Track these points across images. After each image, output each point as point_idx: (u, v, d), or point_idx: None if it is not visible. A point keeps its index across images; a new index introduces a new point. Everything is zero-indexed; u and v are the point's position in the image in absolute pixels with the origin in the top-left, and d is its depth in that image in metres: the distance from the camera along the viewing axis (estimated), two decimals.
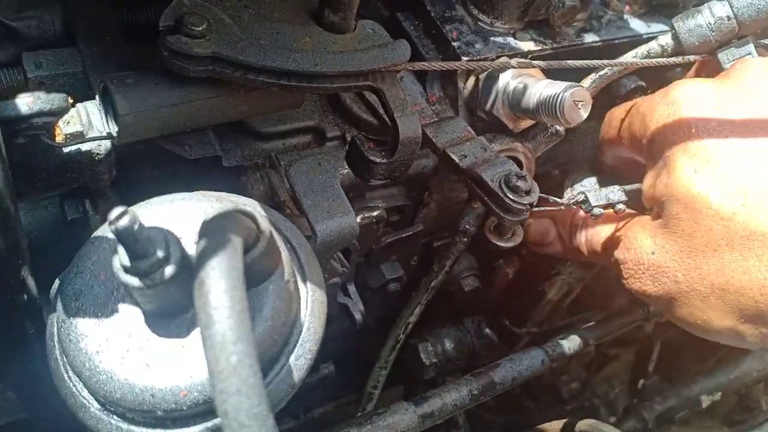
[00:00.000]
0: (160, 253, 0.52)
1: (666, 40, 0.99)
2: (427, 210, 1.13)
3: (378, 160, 0.76)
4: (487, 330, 1.30)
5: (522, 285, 1.24)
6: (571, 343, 1.03)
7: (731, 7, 0.91)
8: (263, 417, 0.45)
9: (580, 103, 0.87)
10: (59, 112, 0.59)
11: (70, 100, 0.62)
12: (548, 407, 1.65)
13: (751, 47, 0.94)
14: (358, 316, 0.91)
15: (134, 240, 0.50)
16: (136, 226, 0.49)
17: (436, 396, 0.90)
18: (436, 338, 1.29)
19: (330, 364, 1.30)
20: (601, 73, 0.98)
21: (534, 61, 0.87)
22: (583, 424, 1.14)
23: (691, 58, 0.97)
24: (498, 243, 0.87)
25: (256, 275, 0.57)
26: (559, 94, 0.87)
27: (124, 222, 0.48)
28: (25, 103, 0.56)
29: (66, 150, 0.73)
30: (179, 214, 0.61)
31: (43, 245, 0.92)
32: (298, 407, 1.44)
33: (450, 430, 1.40)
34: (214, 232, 0.50)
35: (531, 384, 1.62)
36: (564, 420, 1.20)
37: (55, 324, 0.61)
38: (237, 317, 0.46)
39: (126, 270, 0.52)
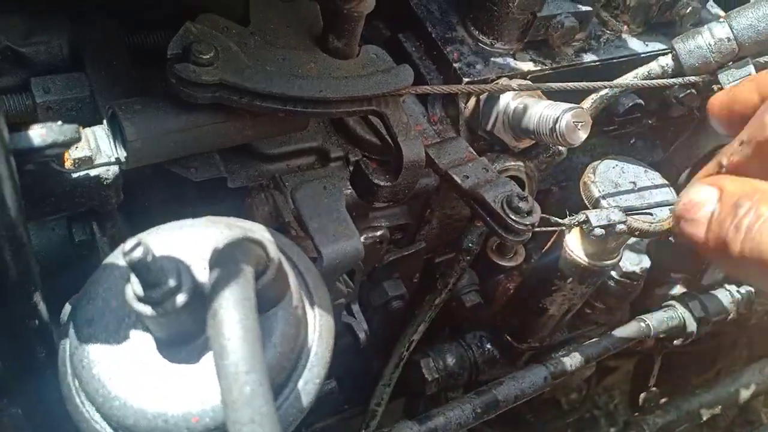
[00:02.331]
0: (172, 282, 0.53)
1: (666, 60, 1.00)
2: (429, 227, 1.14)
3: (382, 183, 0.78)
4: (489, 345, 1.31)
5: (523, 301, 1.25)
6: (572, 360, 1.04)
7: (731, 28, 0.93)
8: None
9: (580, 124, 0.88)
10: (71, 144, 0.60)
11: (81, 131, 0.63)
12: (549, 420, 1.66)
13: (750, 68, 0.96)
14: (362, 336, 0.91)
15: (147, 270, 0.51)
16: (149, 258, 0.50)
17: (439, 414, 0.91)
18: (437, 353, 1.29)
19: (332, 380, 1.31)
20: (602, 93, 1.00)
21: (535, 84, 0.89)
22: None
23: (691, 78, 0.98)
24: (500, 262, 0.88)
25: (265, 302, 0.58)
26: (559, 116, 0.88)
27: (138, 253, 0.49)
28: (38, 135, 0.57)
29: (75, 175, 0.74)
30: (189, 241, 0.62)
31: (50, 267, 0.92)
32: (300, 422, 1.44)
33: None
34: (226, 261, 0.51)
35: (532, 399, 1.63)
36: None
37: (68, 350, 0.61)
38: (250, 348, 0.47)
39: (139, 299, 0.53)
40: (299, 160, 0.94)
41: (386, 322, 1.25)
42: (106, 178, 0.76)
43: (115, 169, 0.76)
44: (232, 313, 0.48)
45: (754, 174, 0.65)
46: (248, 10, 0.78)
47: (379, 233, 0.94)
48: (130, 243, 0.49)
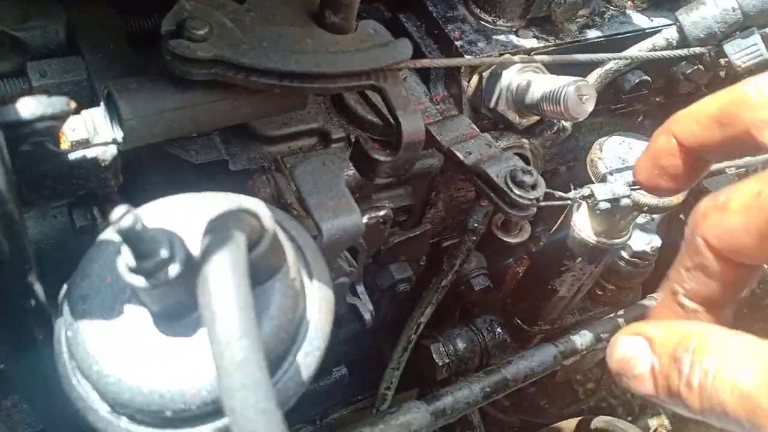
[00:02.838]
0: (164, 253, 0.52)
1: (670, 33, 0.98)
2: (435, 210, 1.13)
3: (382, 158, 0.76)
4: (499, 329, 1.29)
5: (532, 283, 1.24)
6: (582, 339, 1.02)
7: None
8: (270, 412, 0.45)
9: (585, 97, 0.87)
10: (61, 116, 0.59)
11: (72, 104, 0.63)
12: (564, 407, 1.64)
13: (757, 37, 0.94)
14: (367, 317, 0.90)
15: (138, 239, 0.50)
16: (139, 226, 0.49)
17: (447, 394, 0.89)
18: (447, 339, 1.28)
19: (342, 367, 1.30)
20: (606, 67, 0.98)
21: (537, 56, 0.87)
22: (599, 420, 1.13)
23: (697, 50, 0.96)
24: (505, 239, 0.87)
25: (261, 273, 0.57)
26: (562, 88, 0.86)
27: (127, 221, 0.48)
28: (27, 107, 0.57)
29: (72, 157, 0.73)
30: (183, 214, 0.61)
31: (53, 254, 0.92)
32: (313, 413, 1.44)
33: (464, 431, 1.40)
34: (218, 229, 0.50)
35: (546, 384, 1.61)
36: (579, 417, 1.19)
37: (63, 328, 0.61)
38: (242, 313, 0.46)
39: (131, 270, 0.52)
40: (300, 142, 0.93)
41: (395, 307, 1.24)
42: (103, 160, 0.75)
43: (112, 150, 0.75)
44: (222, 279, 0.47)
45: (719, 295, 0.63)
46: None
47: (382, 213, 0.92)
48: (118, 211, 0.48)
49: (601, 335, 1.06)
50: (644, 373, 0.61)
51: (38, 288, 0.67)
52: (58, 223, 0.93)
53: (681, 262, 0.64)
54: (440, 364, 1.26)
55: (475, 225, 0.99)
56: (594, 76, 0.98)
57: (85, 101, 0.82)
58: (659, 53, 0.94)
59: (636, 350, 0.62)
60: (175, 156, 0.85)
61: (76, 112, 0.76)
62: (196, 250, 0.55)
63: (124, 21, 0.88)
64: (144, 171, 0.86)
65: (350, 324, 1.23)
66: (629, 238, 1.09)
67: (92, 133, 0.74)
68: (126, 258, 0.52)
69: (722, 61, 1.06)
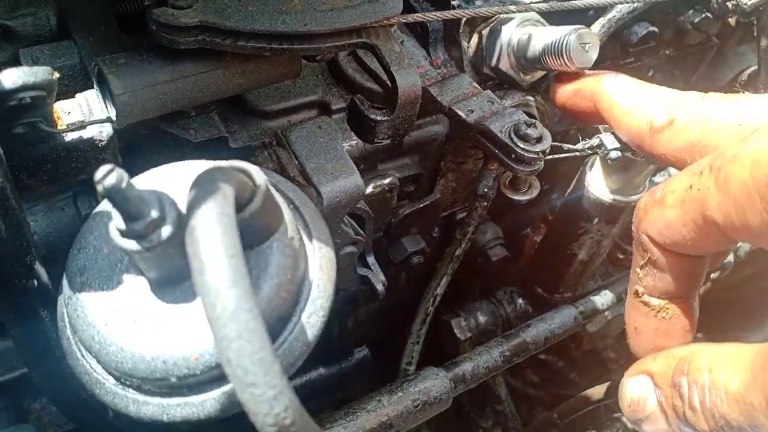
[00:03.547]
0: (154, 213, 0.51)
1: None
2: (445, 180, 1.10)
3: (379, 117, 0.75)
4: (520, 300, 1.27)
5: (550, 250, 1.21)
6: (603, 299, 1.00)
7: None
8: (268, 361, 0.44)
9: (588, 45, 0.84)
10: (45, 86, 0.58)
11: (56, 74, 0.62)
12: (594, 378, 1.61)
13: None
14: (379, 287, 0.89)
15: (125, 199, 0.48)
16: (124, 184, 0.47)
17: (467, 360, 0.87)
18: (468, 313, 1.27)
19: (364, 348, 1.29)
20: (610, 16, 0.95)
21: (534, 4, 0.85)
22: None
23: None
24: (514, 197, 0.84)
25: (257, 233, 0.56)
26: (564, 38, 0.84)
27: (111, 179, 0.47)
28: (8, 77, 0.56)
29: (68, 138, 0.72)
30: (175, 178, 0.60)
31: (63, 246, 0.91)
32: (339, 397, 1.43)
33: (493, 405, 1.37)
34: (204, 183, 0.49)
35: (574, 356, 1.58)
36: (608, 383, 1.16)
37: (63, 303, 0.60)
38: (230, 261, 0.44)
39: (122, 233, 0.51)
40: (300, 115, 0.91)
41: (412, 283, 1.22)
42: (100, 140, 0.75)
43: (108, 129, 0.75)
44: (209, 228, 0.45)
45: (677, 288, 0.66)
46: None
47: (387, 180, 0.91)
48: (102, 170, 0.47)
49: (623, 295, 1.03)
50: (655, 411, 0.65)
51: (39, 268, 0.66)
52: (66, 214, 0.92)
53: (635, 262, 0.67)
54: (462, 338, 1.24)
55: (485, 190, 0.96)
56: (597, 26, 0.95)
57: (80, 86, 0.81)
58: None
59: (642, 390, 0.65)
60: (175, 136, 0.83)
61: (71, 96, 0.76)
62: None
63: (115, 2, 0.87)
64: (144, 153, 0.85)
65: (368, 303, 1.22)
66: None
67: (87, 114, 0.74)
68: (116, 221, 0.51)
69: (730, 4, 1.03)
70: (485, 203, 1.01)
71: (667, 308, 0.67)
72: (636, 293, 0.68)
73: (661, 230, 0.62)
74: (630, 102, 0.77)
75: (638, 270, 0.67)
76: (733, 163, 0.54)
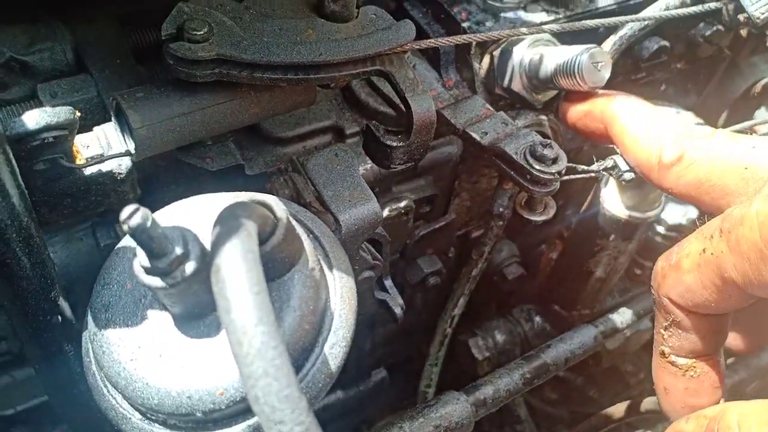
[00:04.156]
0: (178, 250, 0.51)
1: None
2: (459, 200, 1.11)
3: (395, 143, 0.75)
4: (538, 318, 1.27)
5: (567, 267, 1.21)
6: (622, 317, 0.99)
7: None
8: (295, 398, 0.44)
9: (600, 64, 0.84)
10: (68, 126, 0.59)
11: (78, 114, 0.62)
12: (614, 395, 1.60)
13: None
14: (398, 311, 0.88)
15: (149, 238, 0.49)
16: (149, 223, 0.48)
17: (487, 383, 0.87)
18: (486, 332, 1.26)
19: (382, 369, 1.28)
20: (621, 33, 0.95)
21: (545, 26, 0.85)
22: (649, 402, 1.09)
23: (712, 5, 0.93)
24: (530, 218, 0.84)
25: (278, 265, 0.56)
26: (576, 58, 0.84)
27: (136, 219, 0.47)
28: (32, 118, 0.57)
29: (87, 172, 0.73)
30: (196, 213, 0.61)
31: (82, 276, 0.92)
32: (358, 419, 1.42)
33: (513, 426, 1.36)
34: (227, 219, 0.49)
35: (593, 373, 1.57)
36: (628, 401, 1.15)
37: (88, 339, 0.60)
38: (256, 299, 0.45)
39: (147, 271, 0.51)
40: (315, 140, 0.92)
41: (429, 304, 1.22)
42: (119, 173, 0.75)
43: (127, 162, 0.75)
44: (235, 267, 0.46)
45: (702, 346, 0.67)
46: None
47: (403, 203, 0.91)
48: (127, 210, 0.48)
49: (641, 312, 1.03)
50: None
51: (63, 303, 0.66)
52: (84, 245, 0.93)
53: (658, 323, 0.68)
54: (480, 358, 1.24)
55: (501, 209, 0.96)
56: (609, 44, 0.95)
57: (98, 118, 0.82)
58: (674, 12, 0.91)
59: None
60: (192, 165, 0.84)
61: (88, 129, 0.77)
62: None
63: (130, 35, 0.88)
64: (162, 183, 0.86)
65: (385, 325, 1.22)
66: (662, 210, 1.06)
67: (106, 147, 0.74)
68: (141, 259, 0.51)
69: (741, 17, 1.03)
70: (501, 223, 1.01)
71: (695, 367, 0.68)
72: (662, 354, 0.69)
73: (682, 293, 0.64)
74: (640, 130, 0.78)
75: (662, 331, 0.68)
76: (741, 225, 0.56)
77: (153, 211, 0.85)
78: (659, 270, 0.67)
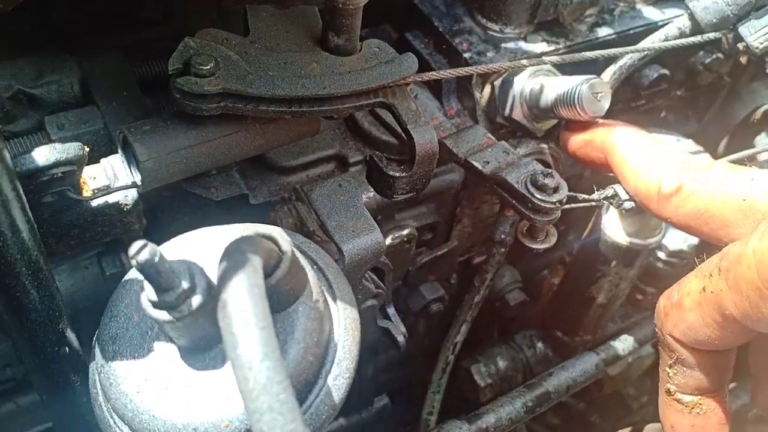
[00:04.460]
0: (185, 284, 0.52)
1: (683, 21, 0.97)
2: (461, 226, 1.11)
3: (398, 174, 0.76)
4: (540, 344, 1.27)
5: (569, 293, 1.21)
6: (624, 344, 0.99)
7: None
8: None
9: (599, 94, 0.85)
10: (77, 161, 0.60)
11: (86, 149, 0.64)
12: (616, 420, 1.59)
13: None
14: (400, 339, 0.89)
15: (157, 273, 0.50)
16: (157, 258, 0.49)
17: (489, 412, 0.87)
18: (488, 358, 1.26)
19: (384, 397, 1.28)
20: (620, 63, 0.97)
21: (545, 57, 0.86)
22: (651, 428, 1.09)
23: (711, 35, 0.95)
24: (532, 246, 0.85)
25: (283, 298, 0.57)
26: (576, 88, 0.85)
27: (144, 255, 0.48)
28: (42, 154, 0.58)
29: (94, 204, 0.74)
30: (202, 246, 0.61)
31: (87, 305, 0.93)
32: None
33: None
34: (233, 254, 0.50)
35: (595, 398, 1.57)
36: (629, 428, 1.15)
37: (96, 370, 0.61)
38: (262, 334, 0.45)
39: (154, 305, 0.52)
40: (318, 169, 0.93)
41: (431, 330, 1.22)
42: (125, 204, 0.76)
43: (133, 194, 0.76)
44: (241, 302, 0.46)
45: (708, 382, 0.68)
46: (247, 22, 0.78)
47: (405, 231, 0.92)
48: (135, 245, 0.48)
49: (643, 339, 1.03)
50: None
51: (71, 335, 0.67)
52: (90, 273, 0.94)
53: (663, 361, 0.69)
54: (482, 385, 1.24)
55: (503, 236, 0.97)
56: (608, 74, 0.96)
57: (104, 150, 0.83)
58: (672, 43, 0.92)
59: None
60: (197, 195, 0.85)
61: (95, 161, 0.78)
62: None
63: (136, 68, 0.89)
64: (167, 213, 0.87)
65: (387, 351, 1.22)
66: (663, 236, 1.07)
67: (112, 179, 0.76)
68: (148, 293, 0.52)
69: (740, 45, 1.04)
70: (503, 250, 1.02)
71: (701, 404, 0.69)
72: (668, 392, 0.70)
73: (684, 331, 0.65)
74: (640, 161, 0.79)
75: (668, 369, 0.69)
76: (739, 264, 0.58)
77: (159, 241, 0.86)
78: (661, 308, 0.68)
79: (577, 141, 0.88)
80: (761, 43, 0.92)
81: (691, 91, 1.22)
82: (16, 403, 1.00)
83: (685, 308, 0.64)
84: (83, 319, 0.81)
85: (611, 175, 0.88)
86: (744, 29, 0.91)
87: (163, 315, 0.52)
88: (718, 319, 0.61)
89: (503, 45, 0.98)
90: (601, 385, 1.29)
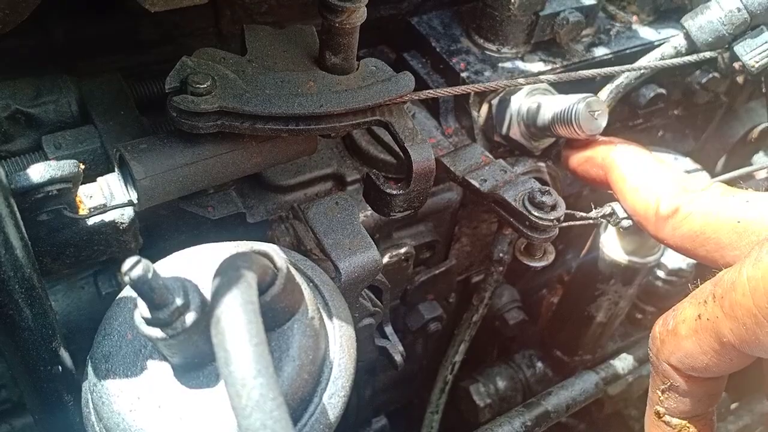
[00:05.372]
0: (179, 301, 0.51)
1: (678, 41, 0.97)
2: (460, 245, 1.11)
3: (395, 192, 0.76)
4: (539, 363, 1.26)
5: (568, 312, 1.20)
6: (623, 363, 0.99)
7: None
8: None
9: (596, 113, 0.85)
10: (72, 179, 0.59)
11: (81, 166, 0.64)
12: None
13: (767, 35, 0.92)
14: (398, 358, 0.88)
15: (150, 289, 0.49)
16: (150, 275, 0.48)
17: (487, 431, 0.86)
18: (487, 378, 1.25)
19: (382, 417, 1.27)
20: (617, 82, 0.97)
21: (541, 76, 0.86)
22: None
23: (706, 54, 0.95)
24: (530, 264, 0.85)
25: (278, 314, 0.56)
26: (573, 106, 0.85)
27: (137, 271, 0.48)
28: (37, 172, 0.58)
29: (90, 222, 0.74)
30: (196, 263, 0.61)
31: (83, 325, 0.93)
32: None
33: None
34: (227, 270, 0.50)
35: (596, 419, 1.55)
36: None
37: (88, 389, 0.60)
38: (255, 350, 0.45)
39: (147, 322, 0.52)
40: (316, 188, 0.93)
41: (429, 350, 1.21)
42: (121, 223, 0.76)
43: (129, 212, 0.76)
44: (234, 318, 0.46)
45: (697, 407, 0.68)
46: (245, 41, 0.78)
47: (403, 250, 0.91)
48: (128, 262, 0.48)
49: (643, 357, 1.02)
50: None
51: (64, 354, 0.66)
52: (86, 293, 0.94)
53: (655, 384, 0.69)
54: (481, 405, 1.23)
55: (501, 255, 0.97)
56: (605, 93, 0.97)
57: (101, 168, 0.83)
58: (669, 62, 0.92)
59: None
60: (193, 214, 0.85)
61: (92, 179, 0.78)
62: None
63: (134, 88, 0.90)
64: (164, 232, 0.87)
65: (386, 371, 1.21)
66: (662, 254, 1.07)
67: (109, 198, 0.75)
68: (141, 309, 0.52)
69: (736, 65, 1.04)
70: (501, 268, 1.02)
71: (688, 427, 0.69)
72: (657, 414, 0.70)
73: (681, 359, 0.64)
74: (639, 180, 0.79)
75: (659, 392, 0.69)
76: (734, 291, 0.57)
77: (155, 260, 0.86)
78: (657, 335, 0.67)
79: (578, 157, 0.88)
80: (757, 62, 0.92)
81: (689, 110, 1.22)
82: (11, 425, 0.99)
83: (682, 335, 0.63)
84: (79, 340, 0.80)
85: (610, 192, 0.88)
86: (739, 48, 0.92)
87: (156, 332, 0.52)
88: (715, 347, 0.61)
89: (500, 64, 0.99)
90: (601, 406, 1.27)
